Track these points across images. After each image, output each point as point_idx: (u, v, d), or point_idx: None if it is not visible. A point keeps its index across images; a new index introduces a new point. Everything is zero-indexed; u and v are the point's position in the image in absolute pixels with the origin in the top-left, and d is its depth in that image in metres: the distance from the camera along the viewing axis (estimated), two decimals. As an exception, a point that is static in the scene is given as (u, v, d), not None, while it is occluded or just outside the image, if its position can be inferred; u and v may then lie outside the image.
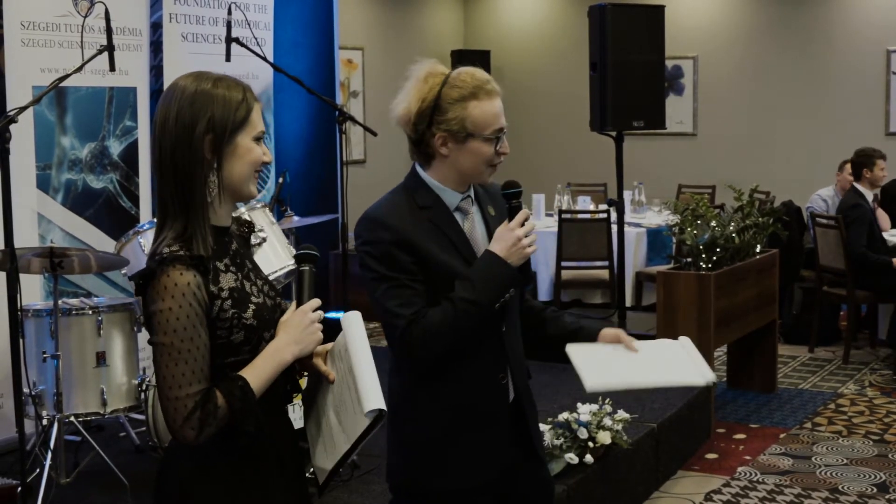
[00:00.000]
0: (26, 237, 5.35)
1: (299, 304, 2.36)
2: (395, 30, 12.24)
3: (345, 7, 9.84)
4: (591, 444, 4.76)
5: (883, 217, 8.53)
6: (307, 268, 2.41)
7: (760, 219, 6.91)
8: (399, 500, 2.90)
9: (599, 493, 4.88)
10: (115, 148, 6.02)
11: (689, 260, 6.55)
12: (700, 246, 6.46)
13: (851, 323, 8.26)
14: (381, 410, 2.27)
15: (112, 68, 4.75)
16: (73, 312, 4.80)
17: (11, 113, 4.25)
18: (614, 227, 7.74)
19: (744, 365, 7.41)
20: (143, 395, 4.79)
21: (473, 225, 2.82)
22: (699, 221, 6.56)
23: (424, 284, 2.70)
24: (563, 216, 8.55)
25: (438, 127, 2.73)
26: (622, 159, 7.41)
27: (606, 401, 5.00)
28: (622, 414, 5.14)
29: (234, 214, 2.43)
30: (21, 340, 4.47)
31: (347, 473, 4.70)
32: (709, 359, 6.36)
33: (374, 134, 5.80)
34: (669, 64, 10.65)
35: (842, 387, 7.47)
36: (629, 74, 7.20)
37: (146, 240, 4.82)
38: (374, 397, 2.26)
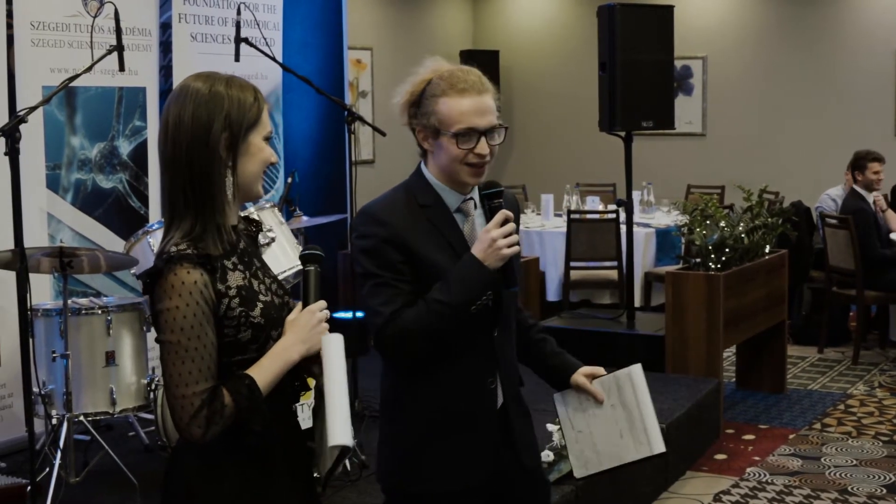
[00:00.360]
0: (36, 237, 5.36)
1: (305, 304, 2.36)
2: (403, 30, 12.24)
3: (354, 7, 9.85)
4: (599, 444, 4.75)
5: (892, 218, 8.51)
6: (312, 268, 2.41)
7: (769, 219, 6.91)
8: (390, 500, 2.90)
9: (607, 494, 4.87)
10: (125, 148, 6.03)
11: (698, 260, 6.55)
12: (709, 246, 6.46)
13: (861, 323, 8.24)
14: (345, 447, 2.26)
15: (122, 68, 4.75)
16: (83, 312, 4.81)
17: (21, 113, 4.26)
18: (623, 228, 7.74)
19: (753, 365, 7.40)
20: (152, 395, 4.80)
21: (474, 227, 2.79)
22: (708, 222, 6.56)
23: (413, 284, 2.69)
24: (572, 216, 8.54)
25: (418, 120, 2.75)
26: (631, 159, 7.40)
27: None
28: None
29: (242, 214, 2.44)
30: (31, 340, 4.48)
31: (356, 473, 4.71)
32: (718, 359, 6.35)
33: (383, 134, 5.80)
34: (678, 64, 10.64)
35: (851, 387, 7.46)
36: (638, 74, 7.19)
37: (155, 239, 4.83)
38: (339, 432, 2.25)
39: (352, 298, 5.82)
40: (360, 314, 5.44)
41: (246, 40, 5.62)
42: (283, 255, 4.82)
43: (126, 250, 5.04)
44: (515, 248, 2.67)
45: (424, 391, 2.78)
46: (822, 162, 11.08)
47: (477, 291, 2.65)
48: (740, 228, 6.63)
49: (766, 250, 6.93)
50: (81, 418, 4.71)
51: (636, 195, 8.79)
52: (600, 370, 2.94)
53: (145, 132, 6.10)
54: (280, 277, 4.66)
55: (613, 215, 8.39)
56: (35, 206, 5.48)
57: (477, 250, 2.66)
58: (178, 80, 6.11)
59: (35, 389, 4.49)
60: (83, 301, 5.06)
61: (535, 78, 12.94)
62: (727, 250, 6.49)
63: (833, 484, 5.62)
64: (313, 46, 7.65)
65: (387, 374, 2.85)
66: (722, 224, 6.55)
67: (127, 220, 5.94)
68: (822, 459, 6.00)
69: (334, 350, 2.31)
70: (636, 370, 2.92)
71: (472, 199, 2.81)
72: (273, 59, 5.78)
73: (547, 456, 4.62)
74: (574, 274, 8.56)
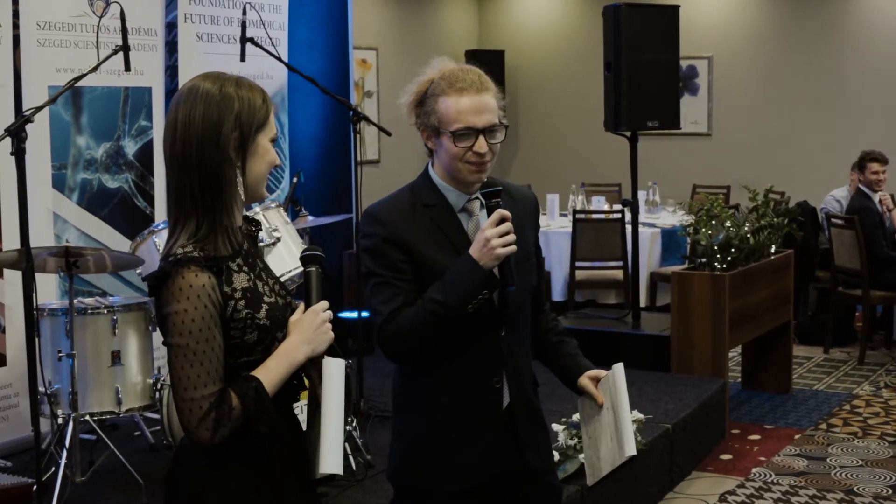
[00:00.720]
0: (42, 237, 5.37)
1: (308, 304, 2.36)
2: (409, 30, 12.25)
3: (359, 7, 9.85)
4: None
5: None
6: (314, 268, 2.41)
7: (775, 219, 6.90)
8: (396, 496, 2.92)
9: (613, 494, 4.87)
10: (131, 148, 6.03)
11: (703, 260, 6.55)
12: (715, 246, 6.45)
13: (867, 324, 8.23)
14: (332, 475, 2.27)
15: (127, 68, 4.76)
16: (89, 312, 4.82)
17: (27, 113, 4.26)
18: (629, 228, 7.73)
19: (758, 365, 7.39)
20: (157, 395, 4.80)
21: (478, 227, 2.78)
22: (714, 222, 6.55)
23: (415, 283, 2.71)
24: (578, 216, 8.54)
25: (420, 119, 2.77)
26: (636, 159, 7.40)
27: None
28: (636, 414, 5.13)
29: (246, 214, 2.44)
30: (37, 339, 4.48)
31: (361, 473, 4.71)
32: (723, 359, 6.35)
33: (389, 134, 5.80)
34: (684, 64, 10.64)
35: (857, 388, 7.45)
36: (644, 74, 7.19)
37: (161, 239, 4.84)
38: (330, 461, 2.26)
39: (357, 298, 5.82)
40: (365, 314, 5.45)
41: (251, 40, 5.62)
42: (288, 255, 4.82)
43: (132, 250, 5.04)
44: (511, 248, 2.65)
45: (430, 388, 2.80)
46: (828, 162, 11.07)
47: (471, 291, 2.65)
48: (746, 228, 6.63)
49: (772, 250, 6.92)
50: (87, 418, 4.72)
51: (641, 195, 8.77)
52: (603, 373, 2.92)
53: (151, 132, 6.10)
54: (286, 277, 4.70)
55: (619, 215, 8.39)
56: (41, 206, 5.49)
57: (473, 250, 2.67)
58: (183, 79, 6.10)
59: (41, 389, 4.51)
60: (89, 301, 5.06)
61: (540, 78, 12.94)
62: (733, 250, 6.48)
63: (839, 484, 5.62)
64: (319, 46, 7.65)
65: (397, 370, 2.87)
66: (727, 224, 6.55)
67: (133, 220, 5.95)
68: (828, 460, 6.00)
69: (335, 375, 2.30)
70: (617, 370, 2.87)
71: (476, 198, 2.80)
72: (279, 58, 5.78)
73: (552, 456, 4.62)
74: (579, 274, 8.56)
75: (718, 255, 6.44)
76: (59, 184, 5.66)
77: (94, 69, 4.66)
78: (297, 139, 7.40)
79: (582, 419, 3.00)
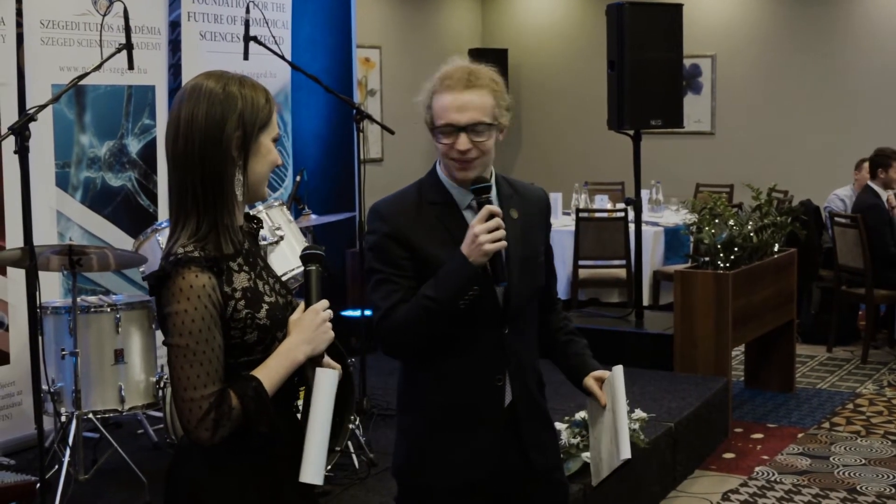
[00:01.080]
0: (45, 235, 5.38)
1: (308, 303, 2.36)
2: (412, 28, 12.25)
3: (362, 5, 9.85)
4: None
5: None
6: (314, 267, 2.41)
7: (778, 218, 6.90)
8: (400, 493, 2.93)
9: (616, 493, 4.87)
10: (134, 146, 6.04)
11: (706, 259, 6.54)
12: (718, 245, 6.45)
13: (870, 322, 8.23)
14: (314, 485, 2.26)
15: (131, 67, 4.76)
16: (92, 310, 4.82)
17: (31, 111, 4.26)
18: (632, 226, 7.73)
19: (761, 364, 7.39)
20: (160, 393, 4.81)
21: None
22: (717, 220, 6.55)
23: (416, 280, 2.72)
24: (581, 215, 8.54)
25: (425, 117, 2.78)
26: (640, 158, 7.40)
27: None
28: (639, 413, 5.13)
29: (247, 212, 2.44)
30: (40, 337, 4.49)
31: (364, 471, 4.72)
32: (726, 358, 6.35)
33: (392, 132, 5.80)
34: (687, 62, 10.64)
35: (860, 386, 7.44)
36: (647, 73, 7.19)
37: (164, 238, 4.82)
38: (312, 471, 2.25)
39: (360, 297, 5.82)
40: (368, 312, 5.45)
41: (255, 39, 5.63)
42: (291, 253, 4.82)
43: (135, 248, 5.05)
44: (500, 244, 2.65)
45: (431, 386, 2.80)
46: (831, 161, 11.06)
47: (461, 287, 2.65)
48: (749, 227, 6.62)
49: (775, 249, 6.92)
50: (90, 416, 4.72)
51: (645, 194, 8.77)
52: (606, 373, 2.92)
53: (154, 130, 6.11)
54: (289, 276, 4.70)
55: (622, 214, 8.39)
56: (44, 205, 5.49)
57: (463, 246, 2.67)
58: (187, 78, 6.10)
59: (44, 387, 4.50)
60: (92, 299, 5.07)
61: (543, 76, 12.93)
62: (736, 249, 6.48)
63: (842, 483, 5.61)
64: (322, 45, 7.65)
65: (401, 368, 2.88)
66: (731, 223, 6.54)
67: (136, 219, 5.95)
68: (831, 458, 5.99)
69: (326, 386, 2.29)
70: (616, 372, 2.86)
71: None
72: (282, 57, 5.78)
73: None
74: (582, 272, 8.56)
75: (721, 254, 6.44)
76: (62, 182, 5.67)
77: (98, 67, 4.66)
78: (301, 138, 7.41)
79: (589, 420, 3.00)
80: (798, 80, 11.55)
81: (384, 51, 11.76)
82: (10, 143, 4.21)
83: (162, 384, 4.81)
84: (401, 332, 2.71)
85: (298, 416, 2.44)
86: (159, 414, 4.99)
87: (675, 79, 7.42)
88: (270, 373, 2.26)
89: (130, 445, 5.04)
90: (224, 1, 6.54)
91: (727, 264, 6.43)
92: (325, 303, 2.36)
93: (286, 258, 4.77)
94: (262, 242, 4.69)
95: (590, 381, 2.91)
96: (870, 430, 6.49)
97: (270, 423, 2.25)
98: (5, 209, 5.29)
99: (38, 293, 4.29)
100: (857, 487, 5.54)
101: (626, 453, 2.74)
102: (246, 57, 5.60)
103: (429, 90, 2.76)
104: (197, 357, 2.20)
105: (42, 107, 4.33)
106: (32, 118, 4.21)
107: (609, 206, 9.33)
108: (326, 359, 2.37)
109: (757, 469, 5.84)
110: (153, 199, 6.12)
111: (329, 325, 2.34)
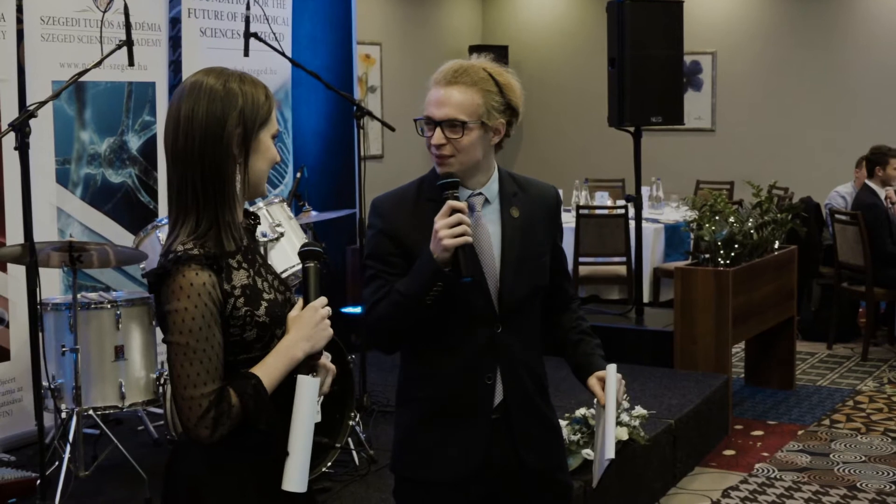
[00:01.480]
0: (45, 231, 5.38)
1: (306, 301, 2.36)
2: (413, 25, 12.24)
3: (363, 2, 9.84)
4: (608, 440, 4.75)
5: None
6: (312, 264, 2.40)
7: (779, 215, 6.90)
8: (396, 486, 2.93)
9: (616, 489, 4.88)
10: (134, 143, 6.04)
11: (706, 256, 6.54)
12: (718, 242, 6.45)
13: (870, 319, 8.23)
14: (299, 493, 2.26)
15: (131, 63, 4.76)
16: (92, 306, 4.82)
17: (31, 108, 4.27)
18: (632, 223, 7.73)
19: (762, 361, 7.39)
20: (160, 389, 4.81)
21: (479, 223, 2.77)
22: (717, 217, 6.55)
23: (404, 277, 2.72)
24: (581, 212, 8.55)
25: None
26: (640, 155, 7.40)
27: (624, 397, 4.99)
28: (639, 410, 5.13)
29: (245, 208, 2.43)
30: (40, 334, 4.49)
31: (364, 468, 4.72)
32: (727, 355, 6.35)
33: (392, 129, 5.80)
34: (688, 59, 10.64)
35: (860, 384, 7.45)
36: (647, 70, 7.19)
37: (164, 234, 4.81)
38: (294, 478, 2.24)
39: (360, 294, 5.82)
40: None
41: (255, 35, 5.62)
42: (291, 250, 4.82)
43: (135, 245, 5.05)
44: (462, 240, 2.62)
45: (422, 381, 2.82)
46: (832, 158, 11.06)
47: (424, 282, 2.65)
48: (749, 224, 6.62)
49: (776, 246, 6.91)
50: (90, 412, 4.72)
51: (645, 191, 8.78)
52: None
53: (154, 127, 6.11)
54: (289, 273, 4.70)
55: (622, 211, 8.39)
56: (45, 201, 5.49)
57: (430, 242, 2.67)
58: (187, 74, 6.06)
59: (44, 383, 4.51)
60: (92, 295, 5.07)
61: (544, 73, 12.92)
62: (736, 246, 6.48)
63: (842, 480, 5.62)
64: (322, 41, 7.65)
65: (401, 362, 2.89)
66: (731, 220, 6.54)
67: (136, 215, 5.95)
68: (831, 455, 6.00)
69: (307, 393, 2.27)
70: (609, 371, 2.84)
71: (481, 194, 2.79)
72: (282, 54, 5.78)
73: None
74: (583, 269, 8.57)
75: (722, 251, 6.44)
76: (62, 178, 5.67)
77: (98, 64, 4.66)
78: (301, 134, 7.40)
79: (595, 419, 3.00)
80: (799, 76, 11.54)
81: (384, 47, 11.75)
82: (10, 139, 4.21)
83: (162, 381, 4.81)
84: (379, 327, 2.75)
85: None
86: (159, 410, 4.99)
87: (675, 76, 7.42)
88: (269, 370, 2.26)
89: (131, 442, 5.04)
90: (224, -3, 6.54)
91: (727, 261, 6.43)
92: (323, 300, 2.36)
93: (286, 255, 4.77)
94: (263, 239, 4.71)
95: (592, 380, 2.89)
96: (870, 427, 6.49)
97: (270, 420, 2.25)
98: (5, 205, 5.30)
99: (38, 289, 4.29)
100: (857, 484, 5.54)
101: (609, 453, 2.72)
102: (246, 53, 5.60)
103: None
104: (197, 355, 2.20)
105: (42, 103, 4.34)
106: (33, 114, 4.21)
107: (609, 202, 9.34)
108: (324, 359, 2.37)
109: (757, 466, 5.85)
110: (153, 195, 6.12)
111: (328, 322, 2.34)
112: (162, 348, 5.06)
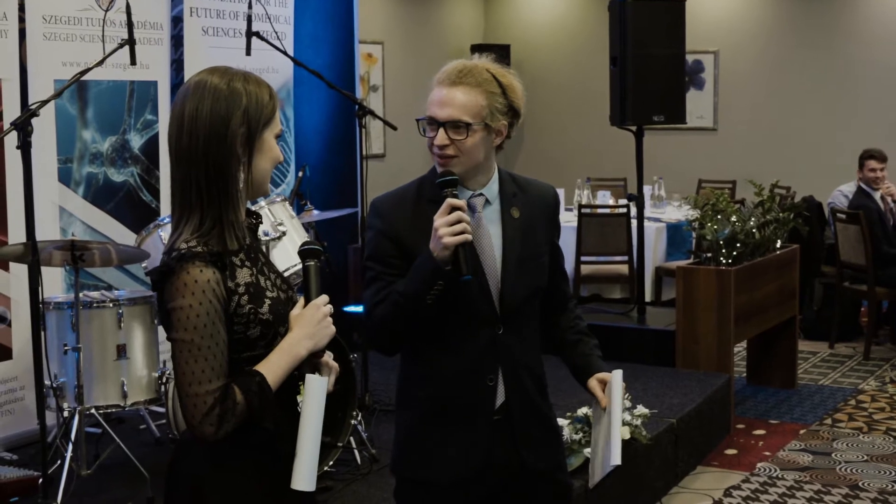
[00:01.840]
0: (48, 230, 5.38)
1: (308, 299, 2.36)
2: (415, 24, 12.24)
3: (365, 1, 9.84)
4: (609, 439, 4.75)
5: None
6: (312, 263, 2.41)
7: (781, 214, 6.89)
8: (396, 487, 2.93)
9: (618, 489, 4.87)
10: (136, 142, 6.04)
11: (708, 255, 6.54)
12: (720, 241, 6.45)
13: (872, 319, 8.23)
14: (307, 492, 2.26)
15: (133, 62, 4.76)
16: (94, 305, 4.82)
17: (33, 106, 4.27)
18: (634, 222, 7.73)
19: (764, 360, 7.39)
20: (163, 388, 4.81)
21: (480, 224, 2.77)
22: (719, 216, 6.55)
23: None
24: (583, 211, 8.54)
25: None
26: (642, 154, 7.39)
27: (626, 396, 4.99)
28: (641, 409, 5.13)
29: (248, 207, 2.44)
30: (42, 333, 4.50)
31: (366, 467, 4.72)
32: (729, 354, 6.35)
33: (394, 128, 5.80)
34: (690, 58, 10.63)
35: (862, 383, 7.44)
36: (649, 69, 7.18)
37: (166, 233, 4.84)
38: (303, 478, 2.24)
39: (361, 293, 5.82)
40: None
41: (257, 34, 5.63)
42: (293, 249, 4.81)
43: (137, 244, 5.05)
44: (462, 238, 2.61)
45: (423, 383, 2.81)
46: (834, 157, 11.04)
47: (424, 282, 2.64)
48: (751, 223, 6.62)
49: (778, 245, 6.91)
50: (93, 411, 4.72)
51: (647, 190, 8.78)
52: (609, 376, 2.89)
53: (157, 126, 6.11)
54: (291, 271, 4.70)
55: (624, 210, 8.39)
56: (47, 200, 5.50)
57: (430, 241, 2.65)
58: (189, 73, 6.12)
59: (47, 382, 4.51)
60: (94, 294, 5.07)
61: (546, 72, 12.92)
62: (738, 245, 6.48)
63: (844, 479, 5.61)
64: (324, 40, 7.65)
65: (400, 363, 2.88)
66: (733, 219, 6.54)
67: (138, 214, 5.95)
68: (833, 455, 5.99)
69: (316, 392, 2.27)
70: (615, 376, 2.84)
71: (482, 195, 2.79)
72: (284, 52, 5.78)
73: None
74: (585, 268, 8.56)
75: (724, 250, 6.44)
76: (64, 177, 5.67)
77: (100, 63, 4.66)
78: (303, 133, 7.40)
79: (592, 420, 3.00)
80: (801, 75, 11.53)
81: (387, 46, 11.75)
82: (12, 138, 4.21)
83: (164, 379, 4.81)
84: (378, 327, 2.73)
85: (300, 410, 2.44)
86: (161, 409, 4.99)
87: (677, 74, 7.41)
88: (273, 368, 2.26)
89: (133, 441, 5.04)
90: (226, -4, 6.54)
91: (729, 260, 6.43)
92: (325, 298, 2.36)
93: (288, 254, 4.77)
94: (265, 238, 4.71)
95: (593, 382, 2.89)
96: (872, 426, 6.49)
97: (274, 418, 2.25)
98: (8, 204, 5.30)
99: (40, 288, 4.29)
100: (859, 484, 5.54)
101: (616, 460, 2.72)
102: (248, 52, 5.60)
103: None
104: (202, 352, 2.20)
105: (44, 102, 4.34)
106: (35, 113, 4.21)
107: (611, 201, 9.33)
108: (326, 357, 2.37)
109: (759, 465, 5.85)
110: (155, 194, 6.13)
111: (330, 319, 2.34)
112: (164, 347, 5.07)
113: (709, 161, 11.90)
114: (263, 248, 2.49)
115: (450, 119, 2.68)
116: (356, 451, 4.76)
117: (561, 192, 9.35)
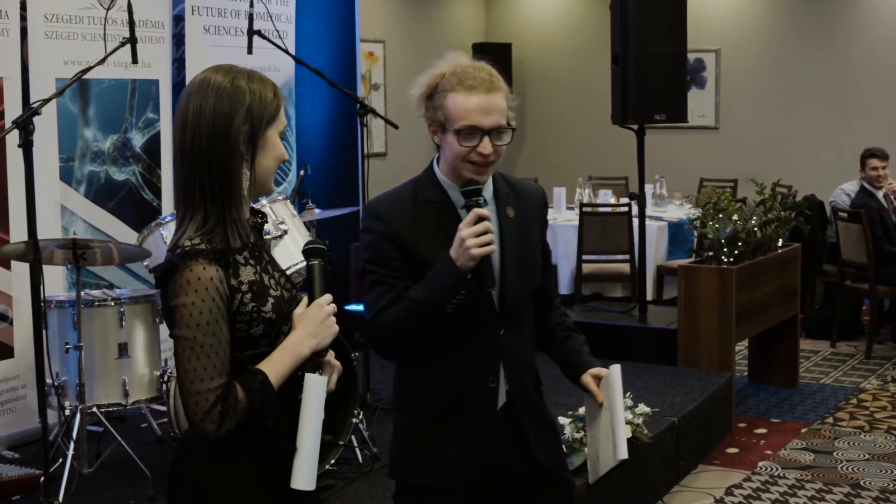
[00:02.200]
0: (49, 229, 5.38)
1: (311, 298, 2.36)
2: (416, 23, 12.24)
3: (366, 0, 9.84)
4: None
5: None
6: (316, 262, 2.41)
7: (782, 213, 6.89)
8: (396, 490, 2.92)
9: (620, 487, 4.87)
10: (138, 140, 6.04)
11: (710, 254, 6.54)
12: (721, 240, 6.44)
13: (874, 317, 8.23)
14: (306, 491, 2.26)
15: (134, 61, 4.76)
16: (96, 304, 4.82)
17: (35, 105, 4.27)
18: (635, 221, 7.73)
19: (765, 359, 7.39)
20: (164, 387, 4.81)
21: None
22: (721, 215, 6.55)
23: (409, 280, 2.69)
24: (585, 210, 8.54)
25: (428, 113, 2.73)
26: (644, 153, 7.39)
27: (627, 394, 4.99)
28: (643, 408, 5.13)
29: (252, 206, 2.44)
30: (44, 331, 4.50)
31: (368, 465, 4.72)
32: (730, 353, 6.35)
33: (396, 127, 5.80)
34: (691, 57, 10.60)
35: (864, 381, 7.44)
36: (651, 67, 7.18)
37: (168, 231, 4.84)
38: (303, 477, 2.24)
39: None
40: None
41: (259, 33, 5.62)
42: (295, 247, 4.82)
43: (139, 242, 5.05)
44: (488, 249, 2.61)
45: (424, 385, 2.79)
46: (836, 156, 11.04)
47: (447, 291, 2.63)
48: (753, 222, 6.62)
49: (779, 244, 6.91)
50: (94, 409, 4.73)
51: (648, 188, 8.77)
52: (604, 371, 2.89)
53: (158, 124, 6.11)
54: (293, 270, 4.70)
55: (626, 209, 8.38)
56: (48, 198, 5.50)
57: (451, 249, 2.63)
58: (190, 72, 6.12)
59: (48, 381, 4.51)
60: (96, 293, 5.07)
61: (547, 71, 12.92)
62: (740, 244, 6.47)
63: (845, 478, 5.61)
64: (326, 39, 7.65)
65: (396, 367, 2.87)
66: (734, 217, 6.54)
67: (140, 213, 5.96)
68: (835, 453, 5.99)
69: (315, 392, 2.27)
70: (613, 371, 2.83)
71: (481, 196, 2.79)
72: (286, 51, 5.78)
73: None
74: (586, 267, 8.56)
75: (725, 249, 6.44)
76: (66, 176, 5.67)
77: (102, 61, 4.66)
78: (304, 132, 7.40)
79: (587, 417, 2.99)
80: (802, 74, 11.53)
81: (388, 45, 11.75)
82: (14, 136, 4.21)
83: (166, 378, 4.81)
84: (389, 334, 2.71)
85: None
86: (163, 408, 5.00)
87: (679, 73, 7.41)
88: (276, 366, 2.27)
89: (134, 439, 5.05)
90: (228, -5, 6.54)
91: (731, 259, 6.42)
92: (328, 297, 2.36)
93: (290, 252, 4.77)
94: (266, 237, 4.71)
95: (587, 378, 2.89)
96: (873, 425, 6.49)
97: (276, 416, 2.25)
98: (9, 203, 5.30)
99: (42, 287, 4.29)
100: (861, 482, 5.54)
101: (623, 453, 2.72)
102: (250, 51, 5.60)
103: (440, 88, 2.69)
104: (204, 349, 2.20)
105: (46, 101, 4.34)
106: (36, 112, 4.21)
107: (613, 200, 9.33)
108: (329, 356, 2.37)
109: (760, 464, 5.84)
110: (157, 193, 6.13)
111: (333, 318, 2.34)
112: (166, 345, 5.08)
113: (710, 160, 11.90)
114: (266, 246, 2.49)
115: (494, 125, 2.67)
116: (357, 450, 4.76)
117: (562, 191, 9.47)
